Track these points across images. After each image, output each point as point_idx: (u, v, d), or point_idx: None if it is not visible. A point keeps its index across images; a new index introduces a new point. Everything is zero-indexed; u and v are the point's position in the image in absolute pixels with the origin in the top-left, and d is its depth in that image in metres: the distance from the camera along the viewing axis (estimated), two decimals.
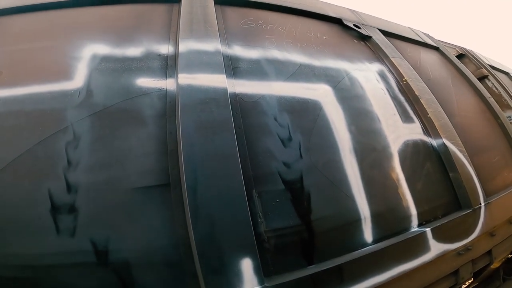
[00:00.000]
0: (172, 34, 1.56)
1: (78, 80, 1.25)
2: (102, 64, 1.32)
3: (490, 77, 2.70)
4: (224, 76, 1.31)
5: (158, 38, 1.53)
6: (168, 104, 1.24)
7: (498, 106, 2.33)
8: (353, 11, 2.46)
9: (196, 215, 0.99)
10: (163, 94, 1.27)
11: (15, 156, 1.03)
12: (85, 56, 1.35)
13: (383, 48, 2.08)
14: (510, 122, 2.32)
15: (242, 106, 1.32)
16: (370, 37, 2.15)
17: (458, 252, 1.45)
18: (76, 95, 1.20)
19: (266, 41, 1.70)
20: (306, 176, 1.26)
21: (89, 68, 1.29)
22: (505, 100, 2.62)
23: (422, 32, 2.86)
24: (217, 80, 1.28)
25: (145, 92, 1.25)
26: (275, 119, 1.36)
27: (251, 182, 1.13)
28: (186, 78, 1.25)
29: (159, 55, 1.42)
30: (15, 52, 1.37)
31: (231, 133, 1.14)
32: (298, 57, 1.68)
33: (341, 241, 1.23)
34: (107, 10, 1.73)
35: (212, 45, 1.44)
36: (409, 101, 1.85)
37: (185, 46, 1.39)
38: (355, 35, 2.18)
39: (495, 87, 2.66)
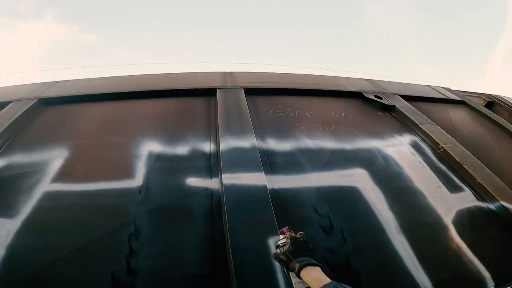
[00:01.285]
0: (212, 130, 1.75)
1: (138, 178, 1.43)
2: (157, 163, 1.52)
3: None
4: (263, 173, 1.41)
5: (200, 134, 1.73)
6: (214, 203, 1.34)
7: None
8: (369, 81, 2.59)
9: None
10: (209, 193, 1.38)
11: (86, 242, 1.16)
12: (143, 154, 1.57)
13: (409, 116, 2.11)
14: None
15: (282, 201, 1.36)
16: (393, 106, 2.20)
17: None
18: (137, 193, 1.36)
19: (297, 130, 1.81)
20: (354, 260, 1.22)
21: (147, 167, 1.50)
22: None
23: (442, 87, 2.89)
24: (257, 178, 1.38)
25: (194, 192, 1.39)
26: (315, 210, 1.38)
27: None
28: (229, 178, 1.36)
29: (203, 153, 1.60)
30: (88, 147, 1.66)
31: (274, 229, 1.16)
32: (329, 143, 1.75)
33: None
34: (154, 103, 2.02)
35: (248, 142, 1.59)
36: (451, 169, 1.78)
37: (225, 144, 1.56)
38: (377, 106, 2.25)
39: None
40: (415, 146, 1.92)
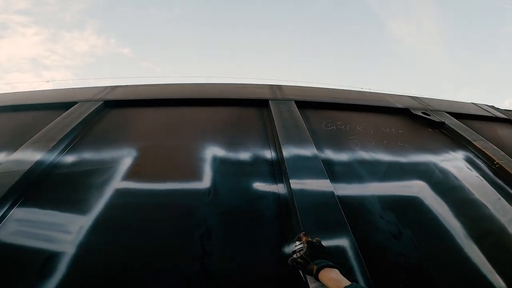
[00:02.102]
0: (270, 138, 1.83)
1: (206, 181, 1.49)
2: (222, 167, 1.59)
3: None
4: (328, 181, 1.45)
5: (259, 142, 1.81)
6: (282, 207, 1.37)
7: None
8: (414, 98, 2.61)
9: None
10: (277, 197, 1.42)
11: (158, 241, 1.18)
12: (207, 158, 1.65)
13: (461, 132, 2.11)
14: None
15: (348, 207, 1.37)
16: (443, 123, 2.21)
17: None
18: (206, 194, 1.41)
19: (351, 142, 1.85)
20: (427, 265, 1.21)
21: (213, 170, 1.56)
22: None
23: (487, 105, 2.86)
24: (323, 185, 1.42)
25: (261, 195, 1.43)
26: (381, 217, 1.40)
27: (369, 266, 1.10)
28: (297, 184, 1.40)
29: (265, 160, 1.66)
30: (154, 148, 1.74)
31: (348, 233, 1.19)
32: (384, 156, 1.78)
33: None
34: (210, 110, 2.13)
35: (309, 151, 1.64)
36: (509, 184, 1.75)
37: (287, 152, 1.61)
38: (425, 123, 2.26)
39: None
40: (470, 161, 1.91)
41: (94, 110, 2.07)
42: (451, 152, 1.95)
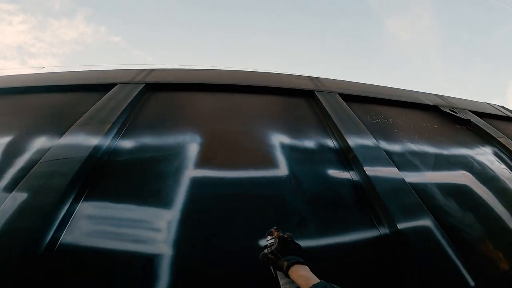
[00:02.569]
0: (326, 128, 1.91)
1: (282, 168, 1.50)
2: (293, 154, 1.61)
3: None
4: (396, 169, 1.57)
5: (318, 131, 1.87)
6: (360, 193, 1.45)
7: None
8: (440, 96, 2.80)
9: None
10: (352, 184, 1.51)
11: (253, 234, 1.13)
12: (276, 144, 1.67)
13: (486, 129, 2.32)
14: None
15: (417, 193, 1.47)
16: (469, 120, 2.41)
17: None
18: (288, 181, 1.42)
19: (397, 135, 1.99)
20: (493, 239, 1.39)
21: (285, 157, 1.57)
22: None
23: (498, 105, 3.13)
24: (394, 172, 1.54)
25: (339, 182, 1.50)
26: (445, 202, 1.54)
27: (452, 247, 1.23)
28: (371, 171, 1.50)
29: (329, 148, 1.74)
30: (218, 133, 1.71)
31: (427, 214, 1.32)
32: (429, 149, 1.94)
33: None
34: (259, 98, 2.15)
35: (370, 141, 1.76)
36: None
37: (352, 141, 1.70)
38: (452, 119, 2.45)
39: None
40: (497, 155, 2.12)
41: (138, 92, 2.01)
42: (481, 147, 2.16)
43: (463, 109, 2.61)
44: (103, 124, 1.58)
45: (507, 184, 1.84)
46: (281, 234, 0.94)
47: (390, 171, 1.52)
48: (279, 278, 0.85)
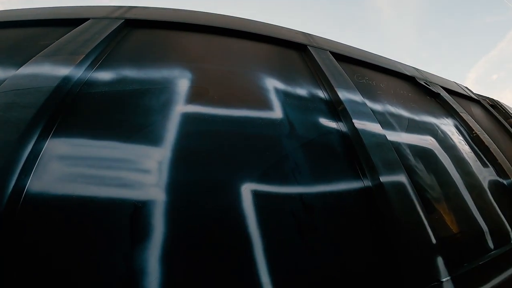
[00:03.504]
0: (318, 80, 1.93)
1: (277, 111, 1.49)
2: (287, 99, 1.61)
3: None
4: (380, 125, 1.68)
5: (310, 82, 1.87)
6: (348, 144, 1.52)
7: None
8: (416, 69, 2.96)
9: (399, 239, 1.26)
10: (341, 135, 1.57)
11: (251, 174, 1.13)
12: (270, 88, 1.63)
13: (451, 104, 2.56)
14: None
15: (394, 150, 1.62)
16: (439, 94, 2.62)
17: None
18: (283, 125, 1.42)
19: (380, 97, 2.10)
20: (447, 199, 1.63)
21: (280, 101, 1.56)
22: None
23: (464, 86, 3.42)
24: (378, 129, 1.65)
25: (330, 131, 1.56)
26: (414, 162, 1.72)
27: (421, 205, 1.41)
28: (360, 124, 1.58)
29: (321, 99, 1.76)
30: (210, 71, 1.59)
31: (403, 171, 1.47)
32: (404, 113, 2.09)
33: (476, 246, 1.57)
34: (252, 44, 2.07)
35: (358, 97, 1.82)
36: (481, 150, 2.29)
37: (342, 95, 1.76)
38: (425, 91, 2.65)
39: None
40: (457, 128, 2.38)
41: (116, 28, 1.75)
42: (445, 119, 2.39)
43: (435, 83, 2.82)
44: (74, 55, 1.35)
45: (462, 154, 2.09)
46: None
47: (375, 127, 1.63)
48: None
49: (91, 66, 1.36)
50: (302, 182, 1.22)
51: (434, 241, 1.29)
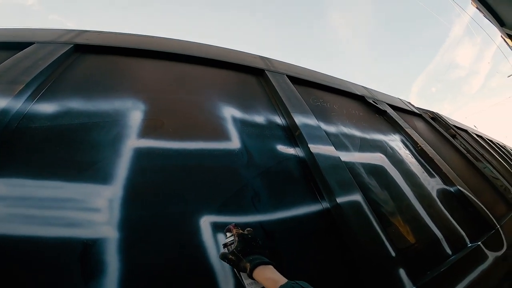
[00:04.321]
0: (275, 105, 1.99)
1: (235, 141, 1.50)
2: (244, 128, 1.63)
3: (458, 136, 3.64)
4: (333, 147, 1.76)
5: (267, 108, 1.93)
6: (305, 168, 1.59)
7: (473, 159, 3.19)
8: (365, 88, 3.20)
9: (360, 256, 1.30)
10: (298, 160, 1.64)
11: (209, 207, 1.14)
12: (227, 117, 1.64)
13: (397, 120, 2.79)
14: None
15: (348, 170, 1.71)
16: (385, 111, 2.85)
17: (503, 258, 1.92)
18: (241, 155, 1.43)
19: (333, 118, 2.23)
20: (400, 213, 1.73)
21: (237, 130, 1.57)
22: (473, 153, 3.52)
23: (407, 101, 3.77)
24: (332, 151, 1.73)
25: (287, 157, 1.61)
26: (368, 179, 1.82)
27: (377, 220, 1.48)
28: (315, 148, 1.65)
29: (278, 125, 1.82)
30: (165, 101, 1.56)
31: (357, 190, 1.55)
32: (356, 132, 2.24)
33: (435, 253, 1.68)
34: (210, 71, 2.07)
35: (313, 121, 1.91)
36: (427, 162, 2.51)
37: (298, 120, 1.83)
38: (373, 110, 2.87)
39: (463, 144, 3.58)
40: (403, 142, 2.60)
41: (64, 53, 1.64)
42: (392, 135, 2.60)
43: (382, 101, 3.07)
44: (13, 84, 1.24)
45: (410, 167, 2.28)
46: (241, 231, 0.88)
47: (329, 150, 1.71)
48: (242, 278, 0.81)
49: (31, 97, 1.26)
50: (262, 210, 1.24)
51: (393, 253, 1.36)
